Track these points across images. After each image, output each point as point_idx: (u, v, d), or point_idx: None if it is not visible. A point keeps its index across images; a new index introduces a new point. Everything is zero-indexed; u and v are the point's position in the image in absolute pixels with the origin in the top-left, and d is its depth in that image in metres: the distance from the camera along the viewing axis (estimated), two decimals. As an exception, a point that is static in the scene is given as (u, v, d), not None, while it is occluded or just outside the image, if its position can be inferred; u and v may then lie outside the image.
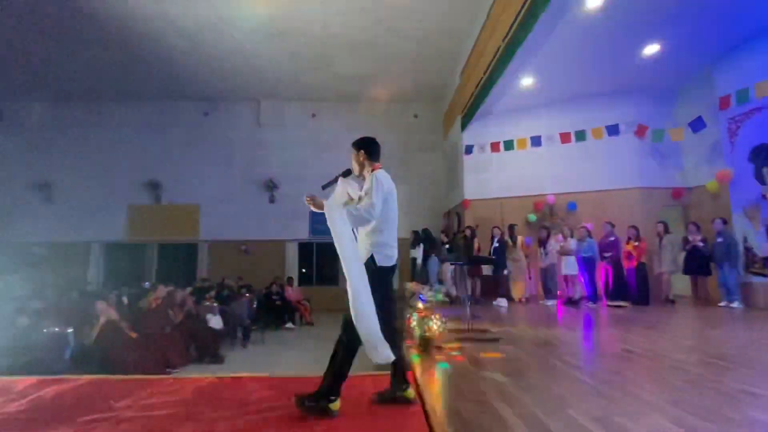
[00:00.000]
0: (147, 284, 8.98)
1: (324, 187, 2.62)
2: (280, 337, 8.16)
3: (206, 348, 5.80)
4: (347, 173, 2.52)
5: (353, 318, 2.14)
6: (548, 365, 3.16)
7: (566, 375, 2.88)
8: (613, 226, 6.83)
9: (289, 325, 8.86)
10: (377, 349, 2.13)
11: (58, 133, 11.32)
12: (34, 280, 8.58)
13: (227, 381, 2.87)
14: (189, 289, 7.67)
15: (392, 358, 2.19)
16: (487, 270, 7.08)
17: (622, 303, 6.41)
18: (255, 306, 8.33)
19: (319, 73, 10.24)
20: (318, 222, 11.32)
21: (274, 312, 8.82)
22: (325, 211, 2.24)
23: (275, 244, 11.15)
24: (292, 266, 11.22)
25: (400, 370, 2.40)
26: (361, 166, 2.48)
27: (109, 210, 11.02)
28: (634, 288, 6.55)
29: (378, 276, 2.29)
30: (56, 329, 4.63)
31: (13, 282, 7.94)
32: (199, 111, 11.58)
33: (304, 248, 11.47)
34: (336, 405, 2.20)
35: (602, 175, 8.17)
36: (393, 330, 2.41)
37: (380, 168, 2.47)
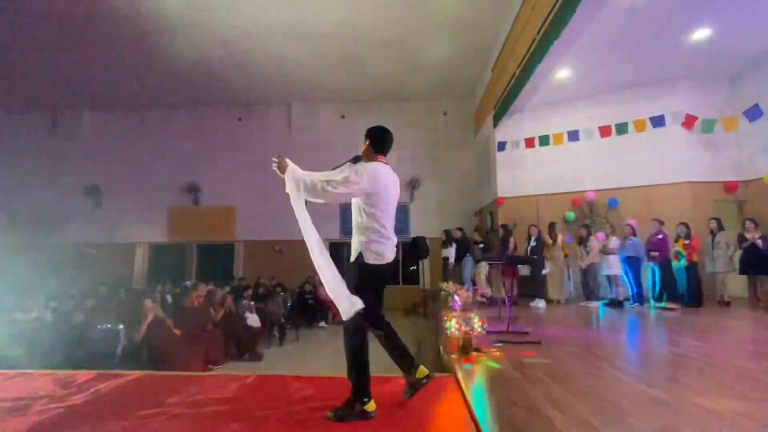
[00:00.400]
0: (188, 283, 9.35)
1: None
2: (314, 335, 8.27)
3: (245, 345, 5.95)
4: (356, 159, 2.44)
5: (324, 273, 2.18)
6: (598, 370, 3.01)
7: (619, 381, 2.73)
8: (661, 223, 6.44)
9: (322, 323, 8.97)
10: (344, 302, 2.12)
11: (106, 141, 12.03)
12: (86, 279, 9.15)
13: (271, 379, 2.92)
14: (227, 288, 7.92)
15: (360, 307, 2.12)
16: (523, 270, 6.87)
17: (671, 305, 6.04)
18: (289, 304, 8.50)
19: (348, 74, 10.30)
20: (348, 222, 11.40)
21: (307, 311, 8.96)
22: (286, 175, 2.23)
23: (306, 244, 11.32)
24: (324, 266, 11.36)
25: (400, 356, 2.35)
26: (365, 155, 2.42)
27: (152, 212, 11.58)
28: (684, 289, 6.15)
29: (366, 273, 2.24)
30: (109, 325, 4.89)
31: (69, 281, 8.49)
32: (234, 117, 11.95)
33: (335, 248, 11.56)
34: (371, 406, 2.17)
35: (646, 169, 7.74)
36: (381, 327, 2.35)
37: (382, 161, 2.40)
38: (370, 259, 2.24)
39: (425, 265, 9.86)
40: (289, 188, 2.24)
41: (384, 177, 2.31)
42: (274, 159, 2.31)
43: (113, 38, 8.67)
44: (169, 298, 7.39)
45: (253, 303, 7.20)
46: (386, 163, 2.44)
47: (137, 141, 12.02)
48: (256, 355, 5.88)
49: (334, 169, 2.49)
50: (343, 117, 11.78)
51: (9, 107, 11.78)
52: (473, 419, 2.17)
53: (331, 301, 8.27)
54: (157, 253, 11.83)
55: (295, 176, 2.25)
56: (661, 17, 5.86)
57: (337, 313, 9.18)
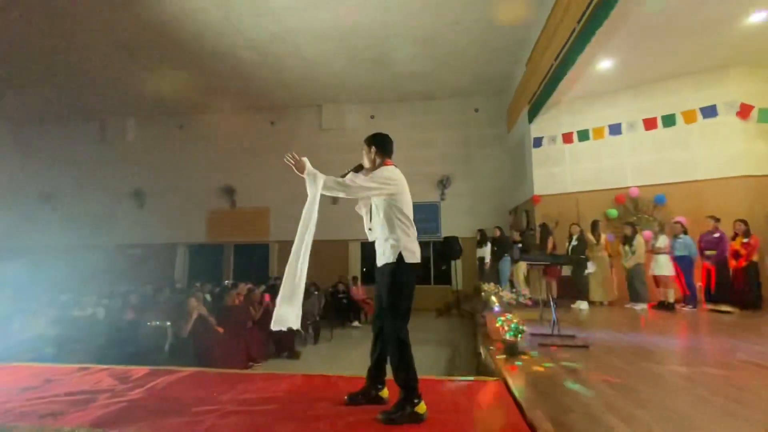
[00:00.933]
0: (226, 282, 9.66)
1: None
2: (347, 334, 8.32)
3: (283, 344, 6.06)
4: (358, 168, 2.54)
5: (291, 276, 2.28)
6: (655, 376, 2.84)
7: (680, 388, 2.57)
8: (717, 220, 6.03)
9: (355, 323, 9.02)
10: (289, 312, 2.25)
11: (149, 146, 12.64)
12: (132, 278, 9.64)
13: (317, 379, 2.94)
14: (263, 287, 8.11)
15: (287, 325, 2.27)
16: (564, 270, 6.62)
17: (727, 308, 5.64)
18: (323, 304, 8.60)
19: (377, 74, 10.30)
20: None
21: (340, 310, 9.04)
22: (306, 174, 2.29)
23: (338, 244, 11.42)
24: (355, 265, 11.42)
25: (380, 369, 2.38)
26: (373, 162, 2.49)
27: (191, 214, 12.07)
28: (742, 291, 5.72)
29: (407, 273, 2.29)
30: (157, 323, 5.11)
31: (117, 280, 8.96)
32: (267, 120, 12.24)
33: (367, 248, 11.62)
34: (422, 407, 2.14)
35: (696, 163, 7.27)
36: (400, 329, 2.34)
37: (391, 164, 2.48)
38: (409, 258, 2.30)
39: (457, 264, 9.71)
40: (310, 185, 2.32)
41: (399, 177, 2.42)
42: (289, 159, 2.38)
43: (154, 47, 9.07)
44: (208, 297, 7.64)
45: (289, 302, 7.32)
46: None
47: (177, 146, 12.55)
48: (294, 353, 5.97)
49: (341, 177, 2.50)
50: (372, 117, 11.81)
51: (59, 114, 12.59)
52: (528, 424, 2.09)
53: (364, 300, 8.40)
54: (197, 254, 12.31)
55: (316, 174, 2.33)
56: (713, 1, 5.47)
57: (369, 314, 9.17)
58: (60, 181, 12.84)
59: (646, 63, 7.08)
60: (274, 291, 8.00)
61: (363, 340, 7.82)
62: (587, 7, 5.53)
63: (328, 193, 2.34)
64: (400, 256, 2.27)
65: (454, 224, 10.77)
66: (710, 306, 5.88)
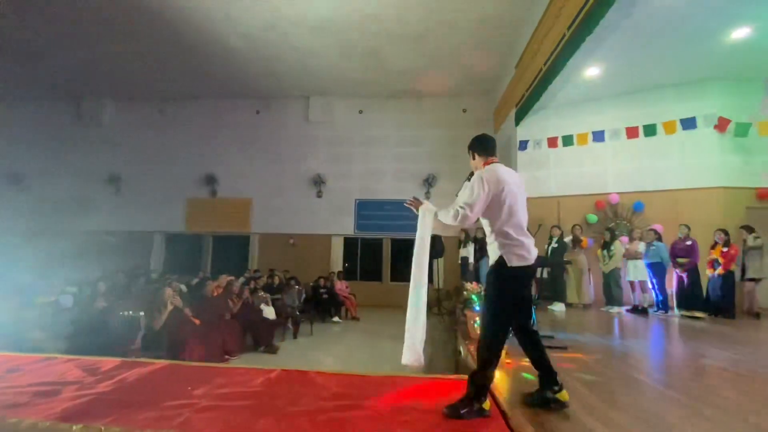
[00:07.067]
0: (201, 274, 9.42)
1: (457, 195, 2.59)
2: (327, 329, 8.25)
3: (261, 337, 5.95)
4: (470, 177, 2.50)
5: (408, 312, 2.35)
6: (632, 380, 2.90)
7: (656, 392, 2.62)
8: (688, 228, 6.23)
9: (336, 318, 8.95)
10: (408, 350, 2.36)
11: (127, 130, 12.16)
12: (106, 267, 9.29)
13: (295, 374, 2.88)
14: (241, 280, 7.95)
15: (412, 362, 2.38)
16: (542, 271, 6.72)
17: (699, 314, 5.84)
18: (303, 298, 8.50)
19: (368, 69, 10.20)
20: (363, 218, 11.36)
21: (321, 305, 8.95)
22: (420, 211, 2.42)
23: (321, 239, 11.32)
24: (337, 261, 11.34)
25: (547, 369, 2.25)
26: (476, 167, 2.46)
27: (169, 202, 11.69)
28: (716, 298, 5.92)
29: (510, 278, 2.17)
30: (130, 313, 4.93)
31: (89, 268, 8.62)
32: (252, 109, 11.97)
33: (349, 243, 11.55)
34: (487, 404, 2.20)
35: (675, 173, 7.49)
36: (531, 331, 2.34)
37: (495, 161, 2.42)
38: (514, 261, 2.17)
39: (440, 263, 9.76)
40: (421, 218, 2.49)
41: (500, 174, 2.29)
42: (409, 203, 2.57)
43: (136, 28, 8.71)
44: (184, 288, 7.43)
45: (268, 295, 7.21)
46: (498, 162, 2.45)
47: (157, 131, 12.12)
48: (272, 347, 5.87)
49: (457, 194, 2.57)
50: (361, 112, 11.70)
51: (34, 94, 11.99)
52: (509, 426, 2.09)
53: (347, 297, 8.27)
54: (174, 243, 11.95)
55: (429, 208, 2.48)
56: (699, 15, 5.62)
57: (351, 310, 9.05)
58: (31, 163, 12.25)
59: (631, 72, 7.24)
60: (253, 284, 7.87)
61: (343, 335, 7.77)
62: (578, 14, 5.60)
63: (450, 223, 2.38)
64: (501, 259, 2.19)
65: (437, 223, 10.80)
66: (682, 312, 6.08)
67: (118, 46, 9.38)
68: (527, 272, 2.25)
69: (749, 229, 6.20)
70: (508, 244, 2.18)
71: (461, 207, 2.23)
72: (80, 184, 12.00)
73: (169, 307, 5.01)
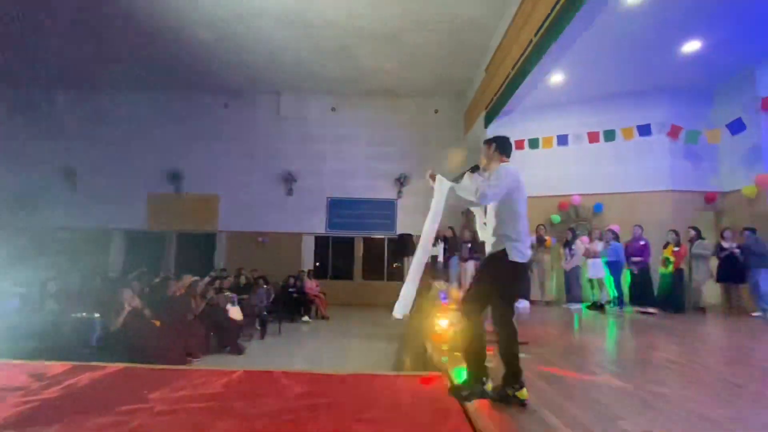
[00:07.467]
0: (162, 273, 9.03)
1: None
2: (296, 329, 8.15)
3: (226, 338, 5.80)
4: (474, 169, 2.65)
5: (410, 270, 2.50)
6: (587, 372, 3.04)
7: (608, 384, 2.76)
8: (641, 229, 6.60)
9: (305, 318, 8.85)
10: (399, 305, 2.55)
11: (83, 122, 11.45)
12: (59, 266, 8.74)
13: (259, 374, 2.83)
14: (207, 279, 7.71)
15: (399, 316, 2.59)
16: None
17: (651, 309, 6.20)
18: (272, 298, 8.34)
19: (341, 66, 10.13)
20: (335, 216, 11.29)
21: (290, 304, 8.82)
22: (436, 182, 2.47)
23: (292, 237, 11.16)
24: (308, 259, 11.21)
25: (513, 367, 2.35)
26: (489, 159, 2.57)
27: (130, 198, 11.13)
28: (667, 295, 6.31)
29: (511, 270, 2.35)
30: (83, 314, 4.67)
31: (41, 267, 8.08)
32: (220, 103, 11.61)
33: (320, 242, 11.45)
34: (524, 393, 2.25)
35: (631, 176, 7.91)
36: (510, 327, 2.43)
37: (508, 163, 2.55)
38: (515, 256, 2.32)
39: (410, 262, 9.84)
40: (437, 188, 2.49)
41: (517, 176, 2.44)
42: (429, 173, 2.61)
43: (92, 13, 8.24)
44: (146, 289, 7.12)
45: (235, 295, 7.03)
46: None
47: (117, 123, 11.50)
48: (238, 348, 5.74)
49: (454, 179, 2.67)
50: (333, 109, 11.61)
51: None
52: (468, 418, 2.14)
53: (317, 296, 8.19)
54: (135, 241, 11.40)
55: (445, 181, 2.50)
56: (655, 27, 5.96)
57: (320, 309, 8.95)
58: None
59: (593, 80, 7.58)
60: (219, 284, 7.65)
61: (313, 335, 7.70)
62: (544, 21, 5.79)
63: (463, 195, 2.42)
64: (503, 251, 2.33)
65: (409, 222, 10.89)
66: (636, 308, 6.43)
67: (72, 30, 8.82)
68: (521, 268, 2.42)
69: (697, 231, 6.64)
70: (513, 239, 2.34)
71: (484, 187, 2.34)
72: (31, 178, 11.20)
73: (127, 309, 4.79)
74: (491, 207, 2.46)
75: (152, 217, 11.18)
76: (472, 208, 2.76)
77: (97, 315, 4.71)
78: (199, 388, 2.54)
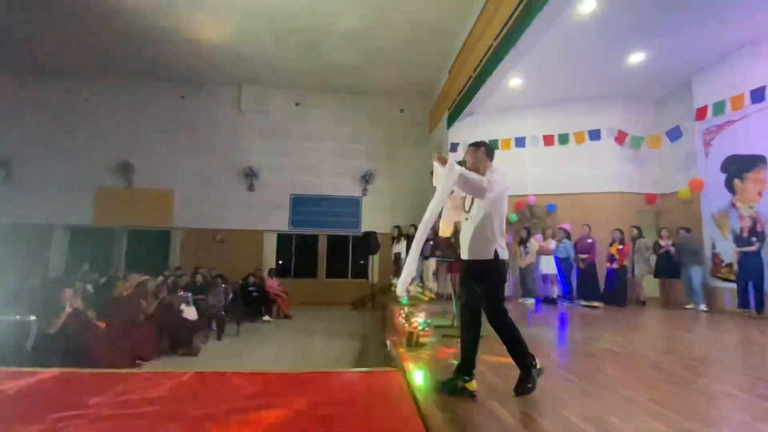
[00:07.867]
0: (111, 273, 8.53)
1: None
2: (256, 329, 7.95)
3: (179, 340, 5.57)
4: (461, 163, 2.66)
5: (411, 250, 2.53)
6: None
7: (553, 374, 2.91)
8: (589, 228, 7.02)
9: (266, 317, 8.66)
10: (401, 282, 2.58)
11: (20, 109, 10.52)
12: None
13: (210, 376, 2.74)
14: (160, 278, 7.36)
15: (400, 293, 2.79)
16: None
17: (596, 303, 6.61)
18: (230, 297, 8.08)
19: (305, 61, 9.96)
20: (298, 214, 11.11)
21: (250, 304, 8.59)
22: (446, 168, 2.44)
23: (253, 234, 10.85)
24: (270, 257, 10.96)
25: (467, 359, 2.47)
26: (479, 161, 2.63)
27: (74, 192, 10.33)
28: (612, 289, 6.74)
29: (503, 269, 2.48)
30: (17, 317, 4.31)
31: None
32: (176, 94, 11.07)
33: (283, 240, 11.23)
34: (473, 385, 2.35)
35: (582, 178, 8.37)
36: (479, 320, 2.58)
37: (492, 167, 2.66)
38: (503, 255, 2.47)
39: (374, 259, 9.89)
40: (448, 172, 2.44)
41: (505, 181, 2.56)
42: (437, 156, 2.54)
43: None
44: (90, 288, 6.68)
45: (190, 294, 6.76)
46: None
47: (61, 113, 10.65)
48: (192, 349, 5.52)
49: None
50: (298, 104, 11.40)
51: None
52: (420, 413, 2.19)
53: (278, 294, 8.04)
54: (80, 238, 10.64)
55: (456, 171, 2.44)
56: (605, 39, 6.33)
57: (282, 308, 8.76)
58: None
59: (549, 86, 7.94)
60: (173, 282, 7.32)
61: (273, 335, 7.55)
62: (504, 25, 6.00)
63: (463, 188, 2.51)
64: (495, 253, 2.44)
65: (373, 220, 10.93)
66: (582, 302, 6.83)
67: (16, 13, 8.10)
68: (505, 266, 2.54)
69: (638, 230, 7.15)
70: (497, 241, 2.46)
71: (487, 181, 2.46)
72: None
73: (68, 310, 4.47)
74: (482, 206, 2.50)
75: (99, 212, 10.48)
76: (448, 204, 2.79)
77: (32, 317, 4.37)
78: (145, 392, 2.43)
